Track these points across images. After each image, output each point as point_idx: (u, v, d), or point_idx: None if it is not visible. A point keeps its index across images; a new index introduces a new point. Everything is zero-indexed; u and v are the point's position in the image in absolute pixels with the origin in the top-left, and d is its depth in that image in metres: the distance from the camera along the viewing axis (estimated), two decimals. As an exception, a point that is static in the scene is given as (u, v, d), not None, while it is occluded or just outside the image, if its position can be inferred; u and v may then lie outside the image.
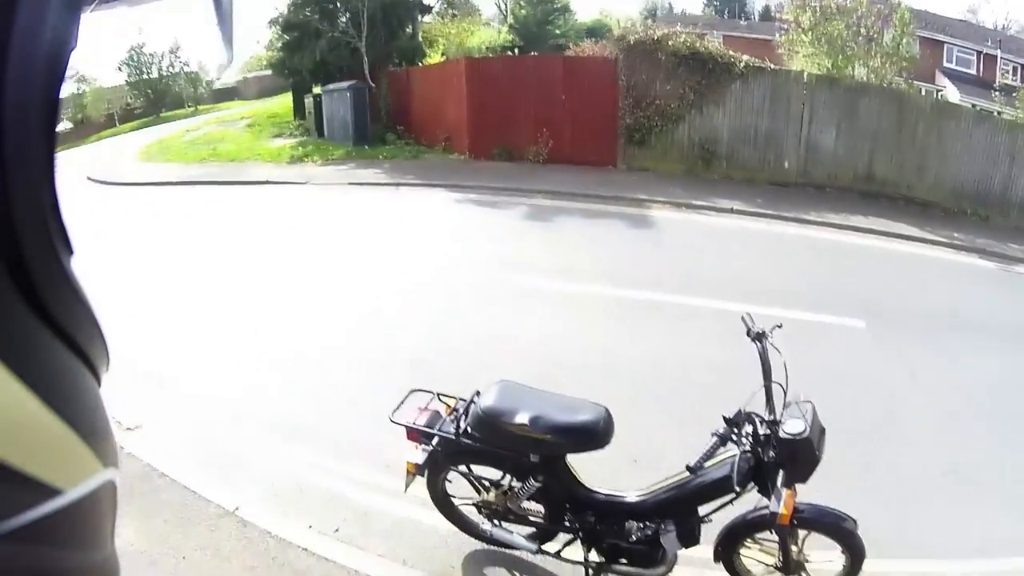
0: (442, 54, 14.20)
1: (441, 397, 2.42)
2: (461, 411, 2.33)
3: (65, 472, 0.26)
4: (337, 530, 2.73)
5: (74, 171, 12.35)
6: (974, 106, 14.11)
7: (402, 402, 2.41)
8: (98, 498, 0.29)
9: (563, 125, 10.30)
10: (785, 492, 2.03)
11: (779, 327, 2.29)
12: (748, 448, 2.12)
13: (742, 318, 2.30)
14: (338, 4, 15.02)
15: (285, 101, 19.92)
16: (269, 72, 20.09)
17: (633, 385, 4.05)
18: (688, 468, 2.07)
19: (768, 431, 2.13)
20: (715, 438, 2.06)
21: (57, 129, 0.26)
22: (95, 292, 0.28)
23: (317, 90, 15.67)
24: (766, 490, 2.15)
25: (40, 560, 0.25)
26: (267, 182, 11.23)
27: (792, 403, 2.15)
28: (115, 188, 11.67)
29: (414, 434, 2.33)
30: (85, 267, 0.27)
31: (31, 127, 0.23)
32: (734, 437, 2.08)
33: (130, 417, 3.40)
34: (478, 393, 2.33)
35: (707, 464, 2.08)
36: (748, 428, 2.12)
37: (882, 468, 3.77)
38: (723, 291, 5.56)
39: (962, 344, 5.45)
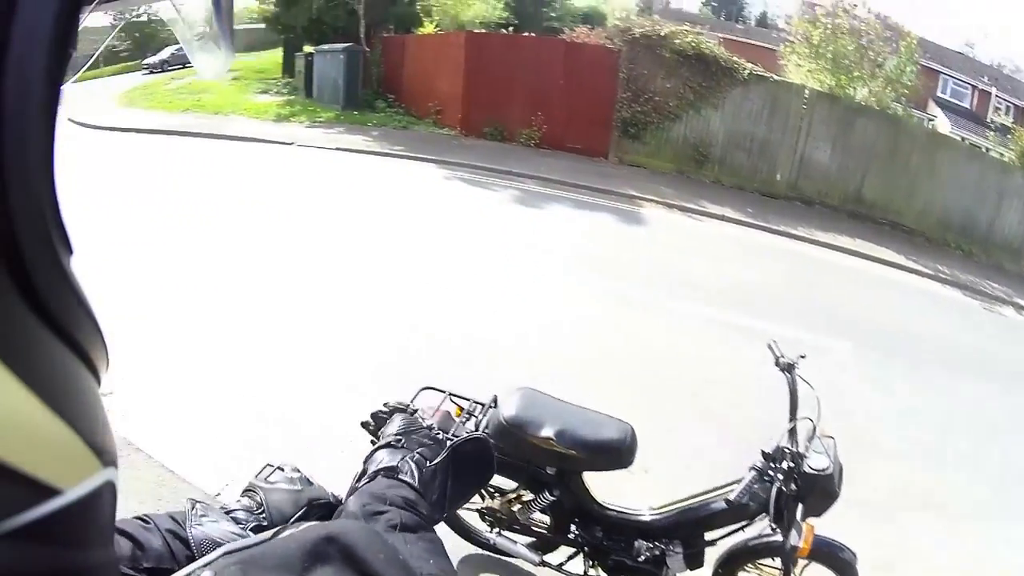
0: (436, 25, 14.03)
1: (453, 398, 2.29)
2: (479, 417, 2.22)
3: (65, 472, 0.26)
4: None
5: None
6: (963, 139, 14.29)
7: (412, 400, 2.26)
8: (98, 498, 0.29)
9: (559, 111, 10.13)
10: (805, 526, 2.01)
11: (803, 357, 2.21)
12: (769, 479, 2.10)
13: (768, 346, 2.24)
14: (339, -38, 14.42)
15: (273, 56, 19.37)
16: (259, 25, 19.53)
17: (652, 382, 3.97)
18: (727, 503, 2.06)
19: (792, 464, 2.09)
20: (753, 472, 2.06)
21: (57, 129, 0.26)
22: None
23: (309, 49, 15.32)
24: (779, 520, 2.10)
25: (40, 560, 0.26)
26: (252, 139, 11.06)
27: (816, 437, 2.12)
28: (98, 132, 11.27)
29: None
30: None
31: (31, 126, 0.24)
32: (771, 472, 2.06)
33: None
34: (495, 399, 2.23)
35: (735, 494, 2.05)
36: (783, 464, 2.07)
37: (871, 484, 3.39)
38: (714, 298, 5.71)
39: (952, 380, 5.18)
